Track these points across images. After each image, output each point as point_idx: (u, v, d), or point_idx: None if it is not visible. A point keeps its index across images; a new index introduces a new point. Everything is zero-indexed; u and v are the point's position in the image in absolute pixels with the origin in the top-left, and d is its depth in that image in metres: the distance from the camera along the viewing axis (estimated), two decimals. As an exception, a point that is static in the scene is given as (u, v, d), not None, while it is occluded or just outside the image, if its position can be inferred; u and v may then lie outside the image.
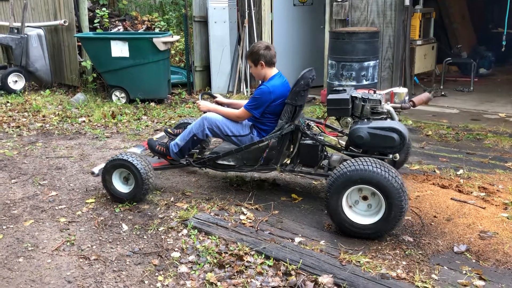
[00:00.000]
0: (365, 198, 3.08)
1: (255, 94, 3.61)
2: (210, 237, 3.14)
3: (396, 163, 3.45)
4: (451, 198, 3.56)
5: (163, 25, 9.29)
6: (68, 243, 3.14)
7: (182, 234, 3.21)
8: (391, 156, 3.32)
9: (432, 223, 3.25)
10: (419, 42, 7.14)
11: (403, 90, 3.70)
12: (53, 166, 4.54)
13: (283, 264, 2.80)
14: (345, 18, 6.80)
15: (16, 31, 7.59)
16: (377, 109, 3.36)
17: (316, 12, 7.68)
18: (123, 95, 6.97)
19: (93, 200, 3.75)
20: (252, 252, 2.94)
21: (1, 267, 2.88)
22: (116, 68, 6.78)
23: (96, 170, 3.99)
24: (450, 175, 4.12)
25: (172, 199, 3.75)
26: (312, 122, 3.87)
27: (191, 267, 2.85)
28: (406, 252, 2.93)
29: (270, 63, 3.62)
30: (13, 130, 5.72)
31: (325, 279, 2.63)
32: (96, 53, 6.89)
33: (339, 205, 3.04)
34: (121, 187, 3.69)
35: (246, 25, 7.54)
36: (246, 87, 7.64)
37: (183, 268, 2.84)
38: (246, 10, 7.52)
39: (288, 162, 3.75)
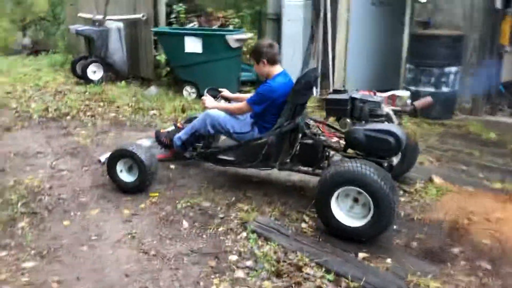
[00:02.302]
0: (355, 200, 3.05)
1: (258, 90, 3.64)
2: (269, 243, 3.04)
3: (393, 167, 3.35)
4: (539, 224, 3.20)
5: (236, 22, 9.32)
6: (130, 236, 3.17)
7: (241, 237, 3.14)
8: (394, 161, 3.29)
9: (515, 251, 2.94)
10: (508, 49, 6.57)
11: (405, 93, 3.60)
12: (122, 157, 4.65)
13: (345, 281, 2.64)
14: (427, 20, 6.41)
15: (98, 23, 7.91)
16: (376, 112, 3.36)
17: (395, 13, 7.31)
18: (193, 90, 7.05)
19: (157, 194, 3.77)
20: (312, 264, 2.80)
21: (66, 253, 2.96)
22: (188, 63, 6.87)
23: (102, 158, 4.05)
24: (538, 197, 3.73)
25: (233, 199, 3.69)
26: (312, 121, 3.83)
27: (248, 272, 2.77)
28: (483, 281, 2.66)
29: (273, 61, 3.62)
30: (88, 119, 5.95)
31: (389, 301, 2.44)
32: (171, 48, 7.03)
33: (328, 206, 3.03)
34: (125, 177, 3.76)
35: (320, 24, 7.35)
36: (316, 87, 7.45)
37: (239, 273, 2.76)
38: (322, 8, 7.32)
39: (288, 160, 3.76)
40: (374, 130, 3.17)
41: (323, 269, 2.75)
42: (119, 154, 3.74)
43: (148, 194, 3.76)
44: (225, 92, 4.18)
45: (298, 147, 3.71)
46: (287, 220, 3.34)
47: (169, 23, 8.53)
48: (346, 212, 3.06)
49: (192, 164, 4.32)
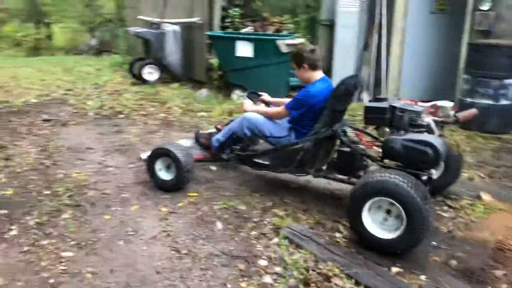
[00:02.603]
0: (388, 211, 2.96)
1: (297, 96, 3.64)
2: (300, 250, 3.00)
3: (431, 180, 3.17)
4: None
5: (291, 27, 9.31)
6: (165, 234, 3.23)
7: (273, 243, 3.12)
8: (434, 173, 3.12)
9: None
10: None
11: (448, 104, 3.52)
12: (167, 156, 4.77)
13: (373, 295, 2.55)
14: (488, 29, 6.11)
15: (155, 26, 8.19)
16: (416, 121, 3.28)
17: (454, 21, 7.02)
18: (243, 94, 7.12)
19: (196, 194, 3.83)
20: (342, 275, 2.73)
21: (103, 246, 3.07)
22: (239, 67, 6.94)
23: (144, 156, 4.23)
24: None
25: (269, 203, 3.68)
26: (350, 129, 3.74)
27: (276, 279, 2.75)
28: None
29: (314, 67, 3.60)
30: (140, 118, 6.15)
31: (418, 321, 2.34)
32: (223, 52, 7.15)
33: (360, 217, 2.98)
34: (164, 175, 3.87)
35: (375, 31, 7.20)
36: (368, 95, 7.30)
37: (267, 279, 2.74)
38: (377, 15, 7.17)
39: (324, 167, 3.73)
40: (412, 141, 3.07)
41: (353, 281, 2.68)
42: (158, 153, 3.85)
43: (186, 194, 3.83)
44: (265, 96, 4.22)
45: (335, 155, 3.67)
46: (321, 228, 3.29)
47: (224, 27, 8.67)
48: (378, 224, 2.99)
49: (232, 167, 4.36)
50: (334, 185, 3.95)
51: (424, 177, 3.08)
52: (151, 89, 7.70)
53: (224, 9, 9.19)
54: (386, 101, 3.43)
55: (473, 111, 3.69)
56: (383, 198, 2.89)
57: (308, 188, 4.01)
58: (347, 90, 3.48)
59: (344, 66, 7.32)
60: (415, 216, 2.77)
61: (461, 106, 5.61)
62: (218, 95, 7.38)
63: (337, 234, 3.20)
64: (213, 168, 4.36)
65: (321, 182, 4.00)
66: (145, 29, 8.23)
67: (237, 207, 3.61)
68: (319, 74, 3.65)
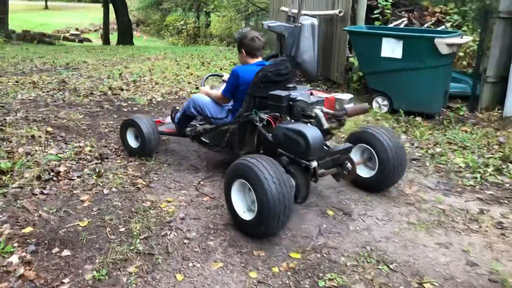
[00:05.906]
0: None
1: (229, 77, 3.82)
2: None
3: (316, 171, 3.08)
4: None
5: (456, 19, 7.63)
6: (244, 320, 2.33)
7: None
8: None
9: None
10: None
11: (346, 97, 3.39)
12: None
13: None
14: None
15: (292, 19, 7.30)
16: (306, 112, 3.26)
17: None
18: (385, 102, 5.85)
19: (299, 256, 2.85)
20: None
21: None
22: (382, 70, 5.68)
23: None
24: None
25: (401, 289, 2.52)
26: (265, 115, 3.53)
27: None
28: None
29: (251, 54, 3.77)
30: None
31: None
32: (364, 50, 5.93)
33: (229, 198, 3.08)
34: (133, 143, 4.34)
35: None
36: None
37: None
38: None
39: (255, 151, 3.74)
40: (290, 130, 3.07)
41: None
42: (128, 123, 4.32)
43: (287, 253, 2.87)
44: (225, 77, 4.44)
45: (260, 139, 3.66)
46: None
47: (373, 19, 7.40)
48: (244, 205, 3.05)
49: (351, 215, 3.26)
50: (486, 257, 2.62)
51: (311, 167, 2.99)
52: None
53: (373, -2, 7.90)
54: (293, 90, 3.39)
55: (363, 105, 3.46)
56: (241, 180, 2.93)
57: (458, 275, 2.73)
58: (265, 77, 3.48)
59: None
60: (263, 199, 2.74)
61: None
62: (356, 102, 6.21)
63: None
64: (330, 212, 3.33)
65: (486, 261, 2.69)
66: (279, 23, 7.40)
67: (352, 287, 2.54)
68: (255, 60, 3.75)
